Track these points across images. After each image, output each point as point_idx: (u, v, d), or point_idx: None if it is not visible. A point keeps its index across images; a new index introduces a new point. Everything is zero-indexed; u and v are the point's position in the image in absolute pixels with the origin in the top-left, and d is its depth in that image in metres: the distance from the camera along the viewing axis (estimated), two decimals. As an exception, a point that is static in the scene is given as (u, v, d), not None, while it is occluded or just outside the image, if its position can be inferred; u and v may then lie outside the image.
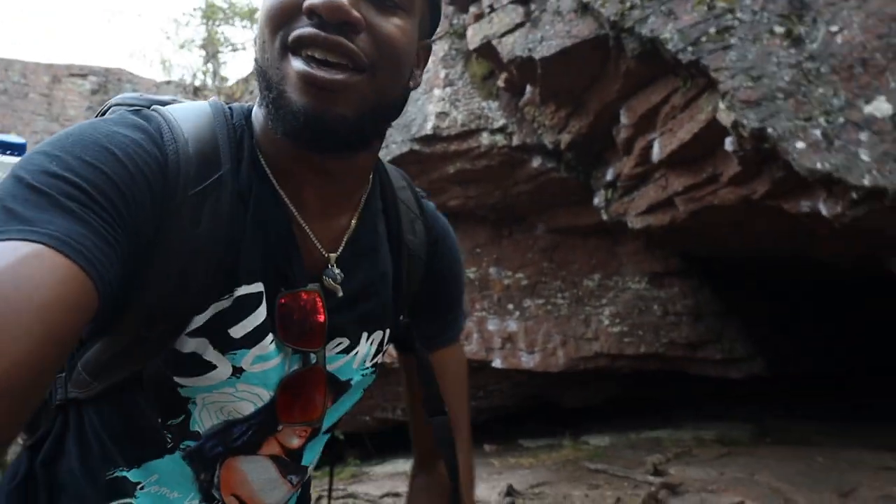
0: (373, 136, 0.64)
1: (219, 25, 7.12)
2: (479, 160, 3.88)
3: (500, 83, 3.44)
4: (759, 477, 3.00)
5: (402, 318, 0.74)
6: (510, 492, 3.00)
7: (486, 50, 3.12)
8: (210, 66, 7.16)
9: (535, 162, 3.78)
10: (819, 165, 1.76)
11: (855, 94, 1.69)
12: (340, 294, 0.63)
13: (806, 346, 4.65)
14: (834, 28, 1.81)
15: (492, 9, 3.02)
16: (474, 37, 3.16)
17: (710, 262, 4.26)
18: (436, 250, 0.75)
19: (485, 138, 3.76)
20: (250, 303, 0.59)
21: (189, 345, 0.58)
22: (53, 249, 0.42)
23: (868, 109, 1.67)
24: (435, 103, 3.81)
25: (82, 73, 5.61)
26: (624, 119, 2.85)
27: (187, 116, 0.60)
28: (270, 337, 0.60)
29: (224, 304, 0.58)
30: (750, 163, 2.28)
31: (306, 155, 0.58)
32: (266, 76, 0.55)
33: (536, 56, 2.71)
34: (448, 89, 3.78)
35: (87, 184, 0.47)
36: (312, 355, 0.63)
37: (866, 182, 1.68)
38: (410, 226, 0.73)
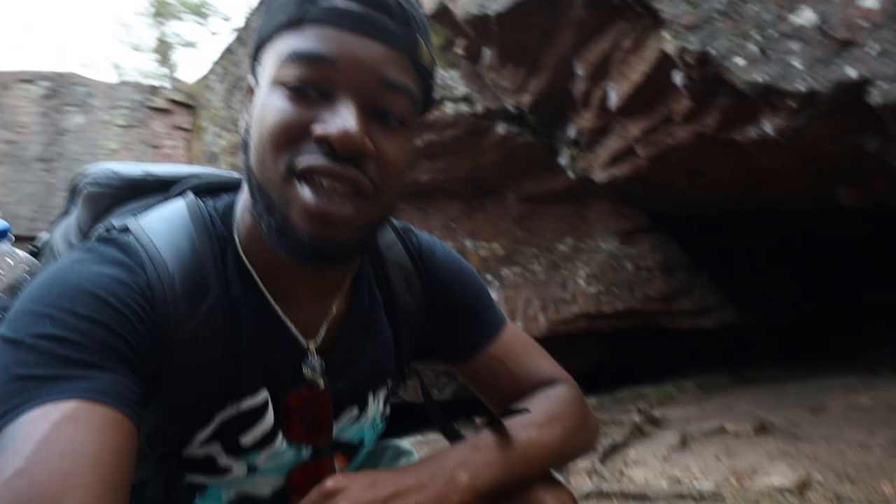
0: (371, 246, 0.67)
1: (169, 21, 7.04)
2: (445, 131, 3.95)
3: (459, 50, 3.51)
4: (737, 407, 3.12)
5: (407, 368, 0.76)
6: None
7: (443, 14, 3.19)
8: (165, 67, 7.06)
9: (500, 128, 3.86)
10: (759, 78, 1.88)
11: (783, 7, 1.80)
12: (321, 385, 0.62)
13: (771, 294, 4.84)
14: (762, -47, 1.93)
15: (444, -26, 3.10)
16: (430, 2, 3.23)
17: (676, 218, 4.40)
18: (436, 291, 0.75)
19: (449, 108, 3.82)
20: (257, 411, 0.60)
21: (201, 451, 0.60)
22: (86, 401, 0.43)
23: (796, 20, 1.78)
24: (397, 78, 3.86)
25: (31, 78, 5.49)
26: (579, 71, 2.95)
27: (168, 241, 0.57)
28: (281, 436, 0.62)
29: (230, 412, 0.59)
30: (698, 95, 2.40)
31: (300, 266, 0.57)
32: (266, 196, 0.54)
33: (490, 12, 2.79)
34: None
35: (90, 340, 0.47)
36: (321, 445, 0.65)
37: (802, 88, 1.80)
38: (404, 284, 0.73)
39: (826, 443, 2.33)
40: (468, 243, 4.69)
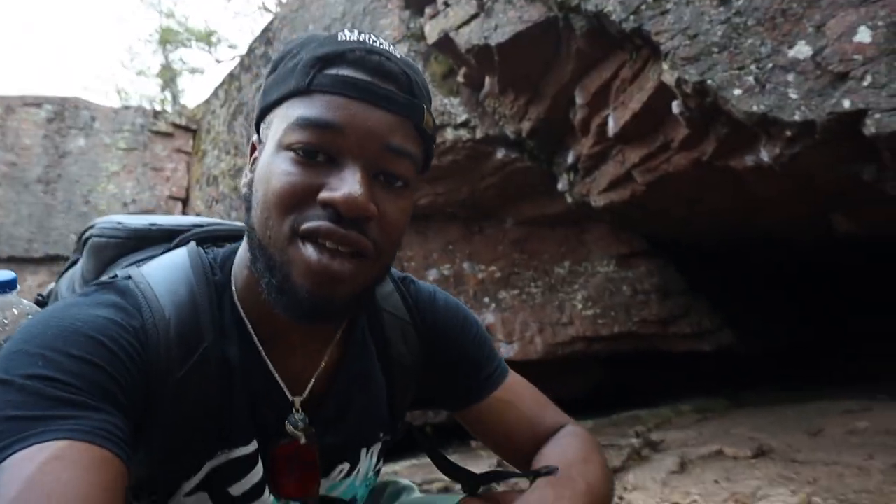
0: (368, 303, 0.68)
1: (176, 49, 7.16)
2: (445, 156, 4.01)
3: (460, 78, 3.59)
4: (735, 431, 3.12)
5: (401, 420, 0.76)
6: (500, 464, 3.03)
7: (445, 43, 3.28)
8: (168, 92, 7.14)
9: (500, 153, 3.93)
10: (755, 108, 1.94)
11: (779, 42, 1.88)
12: (303, 441, 0.61)
13: (767, 319, 4.88)
14: (755, -12, 2.01)
15: (446, 4, 3.20)
16: (432, 32, 3.32)
17: (673, 244, 4.46)
18: (434, 343, 0.75)
19: (449, 133, 3.89)
20: (247, 462, 0.60)
21: (189, 501, 0.59)
22: (74, 441, 0.43)
23: (791, 53, 1.86)
24: (399, 103, 3.93)
25: (37, 102, 5.55)
26: (579, 99, 3.03)
27: (167, 288, 0.58)
28: (268, 491, 0.62)
29: (219, 460, 0.59)
30: (696, 123, 2.47)
31: (296, 322, 0.57)
32: (268, 256, 0.55)
33: (492, 43, 2.88)
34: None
35: (81, 380, 0.46)
36: (310, 501, 0.65)
37: (797, 117, 1.86)
38: (400, 335, 0.73)
39: (825, 467, 2.33)
40: (466, 266, 4.72)
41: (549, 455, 0.71)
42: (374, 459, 0.72)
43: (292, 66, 0.57)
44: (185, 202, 5.85)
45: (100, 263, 0.70)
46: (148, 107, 6.47)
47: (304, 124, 0.54)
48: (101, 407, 0.46)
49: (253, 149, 0.63)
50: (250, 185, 0.59)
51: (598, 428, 4.30)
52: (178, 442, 0.56)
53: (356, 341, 0.68)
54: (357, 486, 0.70)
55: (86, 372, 0.47)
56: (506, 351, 4.49)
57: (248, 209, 0.59)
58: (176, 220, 0.73)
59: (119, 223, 0.71)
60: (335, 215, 0.53)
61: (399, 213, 0.58)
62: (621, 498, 2.37)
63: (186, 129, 5.84)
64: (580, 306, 4.44)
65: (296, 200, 0.54)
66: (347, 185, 0.53)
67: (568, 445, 0.72)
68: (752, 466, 2.46)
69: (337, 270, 0.53)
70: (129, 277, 0.59)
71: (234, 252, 0.65)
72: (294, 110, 0.55)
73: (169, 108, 6.19)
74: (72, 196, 5.29)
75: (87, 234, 0.73)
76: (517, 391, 0.78)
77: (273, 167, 0.55)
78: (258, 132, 0.62)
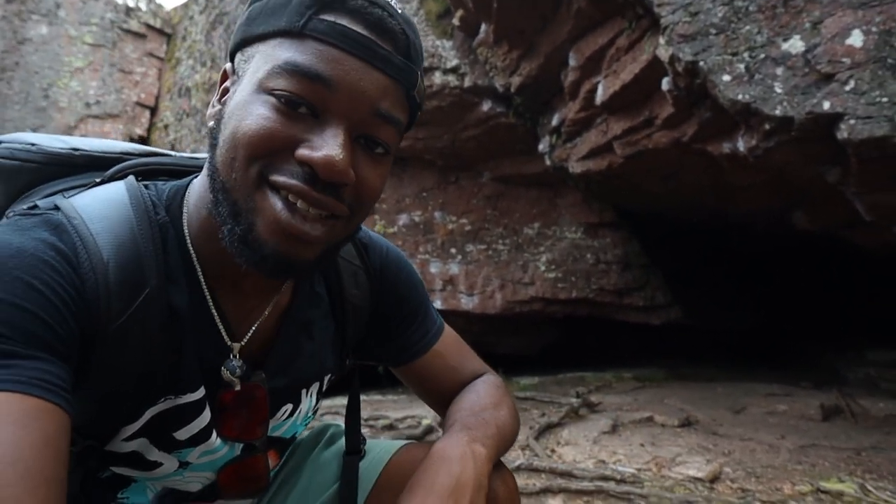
0: (331, 262, 0.66)
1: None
2: (430, 100, 3.91)
3: (456, 21, 3.46)
4: (668, 401, 3.33)
5: (347, 362, 0.76)
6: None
7: (445, -19, 3.13)
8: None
9: (486, 106, 3.86)
10: (741, 97, 1.96)
11: (776, 32, 1.88)
12: (238, 388, 0.60)
13: (718, 300, 5.11)
14: (763, -26, 1.99)
15: (452, -61, 3.03)
16: (433, -33, 3.16)
17: (640, 217, 4.56)
18: (381, 287, 0.75)
19: (437, 77, 3.79)
20: (194, 408, 0.58)
21: (128, 447, 0.57)
22: (5, 392, 0.40)
23: (785, 46, 1.86)
24: (389, 38, 3.78)
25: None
26: (572, 61, 2.97)
27: (103, 226, 0.52)
28: (216, 434, 0.61)
29: (163, 406, 0.57)
30: (682, 104, 2.47)
31: (254, 272, 0.54)
32: (233, 201, 0.51)
33: (494, -12, 2.77)
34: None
35: (9, 327, 0.43)
36: (256, 442, 0.65)
37: (778, 112, 1.89)
38: (353, 279, 0.72)
39: (741, 441, 2.53)
40: (437, 215, 4.72)
41: (465, 400, 0.74)
42: (314, 399, 0.72)
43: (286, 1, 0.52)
44: (154, 111, 5.57)
45: (10, 190, 0.62)
46: (120, 1, 6.00)
47: (292, 71, 0.50)
48: (34, 355, 0.43)
49: (224, 77, 0.58)
50: (218, 119, 0.55)
51: (544, 385, 4.51)
52: (117, 389, 0.53)
53: (303, 289, 0.67)
54: (298, 424, 0.72)
55: (15, 318, 0.43)
56: (466, 303, 4.59)
57: (213, 146, 0.54)
58: (101, 144, 0.66)
59: (33, 144, 0.62)
60: (311, 175, 0.50)
61: (376, 179, 0.55)
62: (553, 451, 2.52)
63: (161, 32, 5.47)
64: (543, 268, 4.53)
65: (270, 149, 0.50)
66: (328, 146, 0.49)
67: (482, 392, 0.76)
68: (677, 435, 2.65)
69: (306, 232, 0.51)
70: (58, 209, 0.53)
71: (180, 191, 0.60)
72: (282, 52, 0.51)
73: (143, 5, 5.75)
74: (29, 88, 4.96)
75: None
76: (447, 343, 0.80)
77: (249, 108, 0.51)
78: (232, 61, 0.57)
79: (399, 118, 0.55)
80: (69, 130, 5.05)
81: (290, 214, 0.50)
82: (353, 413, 0.79)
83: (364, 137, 0.53)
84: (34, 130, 4.79)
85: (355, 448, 0.77)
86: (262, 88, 0.51)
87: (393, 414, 3.12)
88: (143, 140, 5.44)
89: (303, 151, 0.50)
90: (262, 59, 0.52)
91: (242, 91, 0.53)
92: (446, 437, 0.65)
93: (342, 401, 3.08)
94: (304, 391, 0.69)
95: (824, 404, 3.05)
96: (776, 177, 2.50)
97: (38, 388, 0.42)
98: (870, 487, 1.92)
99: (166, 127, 5.46)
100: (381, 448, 0.79)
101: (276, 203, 0.50)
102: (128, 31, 5.32)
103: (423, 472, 0.60)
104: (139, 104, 5.37)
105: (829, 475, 2.08)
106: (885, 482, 2.01)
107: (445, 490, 0.56)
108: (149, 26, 5.42)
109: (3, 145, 0.63)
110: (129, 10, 5.64)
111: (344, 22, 0.51)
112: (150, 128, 5.52)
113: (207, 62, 5.17)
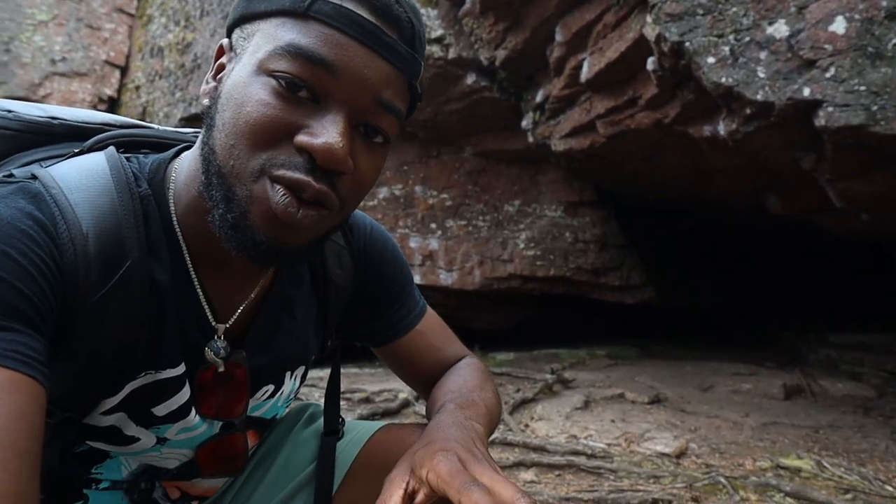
0: (322, 249, 0.64)
1: None
2: (413, 71, 3.84)
3: (442, -11, 3.37)
4: (639, 378, 3.41)
5: (329, 343, 0.75)
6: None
7: (431, -53, 3.03)
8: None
9: (470, 79, 3.80)
10: (724, 80, 1.96)
11: (762, 16, 1.87)
12: (221, 369, 0.60)
13: (691, 280, 5.22)
14: (753, -45, 1.97)
15: None
16: (420, -69, 3.05)
17: (619, 197, 4.59)
18: (365, 267, 0.75)
19: (421, 48, 3.70)
20: (174, 384, 0.58)
21: (106, 421, 0.56)
22: None
23: (770, 30, 1.86)
24: (373, 4, 3.67)
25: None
26: (559, 36, 2.93)
27: (84, 197, 0.51)
28: (194, 411, 0.60)
29: (143, 381, 0.56)
30: (666, 85, 2.47)
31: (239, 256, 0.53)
32: (228, 187, 0.51)
33: (481, -44, 2.69)
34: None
35: None
36: (235, 421, 0.64)
37: (759, 97, 1.90)
38: (336, 259, 0.71)
39: (707, 419, 2.62)
40: (418, 189, 4.68)
41: (451, 381, 0.75)
42: (298, 382, 0.72)
43: None
44: (124, 71, 5.34)
45: None
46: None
47: (295, 53, 0.48)
48: (10, 326, 0.42)
49: (220, 52, 0.56)
50: (215, 98, 0.53)
51: (519, 361, 4.58)
52: (97, 362, 0.53)
53: (285, 268, 0.67)
54: (279, 406, 0.72)
55: None
56: (444, 278, 4.59)
57: (210, 126, 0.53)
58: (81, 114, 0.64)
59: (9, 111, 0.60)
60: (310, 162, 0.49)
61: (373, 170, 0.55)
62: (527, 426, 2.57)
63: (131, -13, 5.21)
64: (522, 245, 4.55)
65: (271, 138, 0.49)
66: (328, 133, 0.49)
67: (467, 374, 0.76)
68: (647, 411, 2.72)
69: (299, 219, 0.50)
70: (36, 178, 0.51)
71: (163, 164, 0.59)
72: (284, 32, 0.49)
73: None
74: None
75: None
76: (429, 323, 0.80)
77: (249, 91, 0.49)
78: (230, 36, 0.55)
79: (400, 108, 0.54)
80: (34, 88, 4.81)
81: (286, 204, 0.49)
82: (332, 393, 0.78)
83: (364, 125, 0.53)
84: (-5, 87, 4.54)
85: (333, 429, 0.76)
86: (263, 70, 0.50)
87: (370, 387, 3.13)
88: (112, 101, 5.21)
89: (302, 138, 0.49)
90: (264, 39, 0.51)
91: (241, 71, 0.51)
92: (442, 413, 0.65)
93: (319, 373, 3.08)
94: (288, 373, 0.69)
95: (787, 384, 3.17)
96: (753, 161, 2.53)
97: (12, 361, 0.41)
98: (826, 464, 2.01)
99: (137, 88, 5.24)
100: (361, 428, 0.79)
101: (274, 194, 0.49)
102: (96, -16, 5.05)
103: (432, 430, 0.59)
104: (108, 63, 5.14)
105: (789, 452, 2.17)
106: (840, 459, 2.11)
107: (462, 439, 0.56)
108: (118, -20, 5.15)
109: None
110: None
111: (350, 6, 0.49)
112: (121, 88, 5.29)
113: (181, 21, 4.95)
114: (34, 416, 0.41)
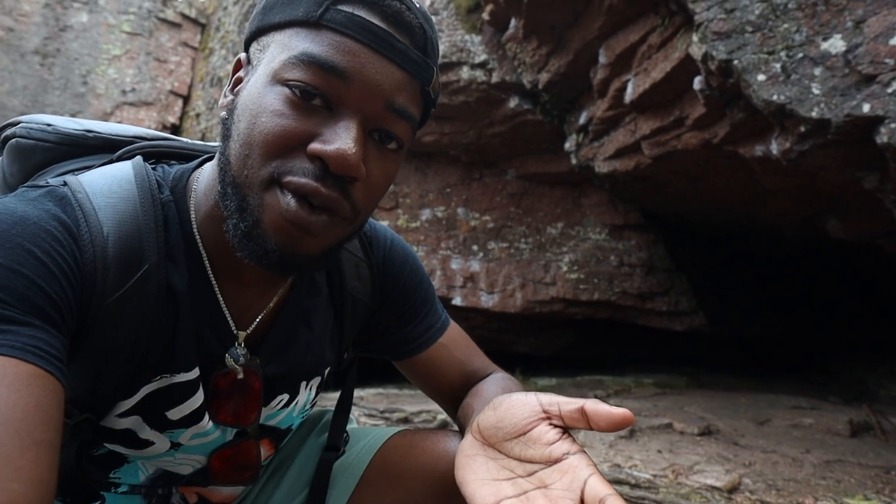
0: (334, 260, 0.64)
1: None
2: (457, 95, 3.90)
3: (486, 15, 3.44)
4: (688, 409, 3.26)
5: (345, 356, 0.75)
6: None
7: (475, -25, 3.11)
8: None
9: (512, 102, 3.83)
10: (775, 97, 1.89)
11: (815, 31, 1.81)
12: (240, 376, 0.60)
13: (744, 308, 4.98)
14: (805, -28, 1.92)
15: (484, -67, 3.01)
16: (464, -39, 3.15)
17: (666, 220, 4.47)
18: (384, 281, 0.74)
19: (465, 73, 3.77)
20: (188, 388, 0.58)
21: (122, 423, 0.57)
22: (2, 356, 0.40)
23: (824, 46, 1.80)
24: (418, 32, 3.78)
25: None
26: (602, 58, 2.93)
27: (106, 201, 0.53)
28: (208, 416, 0.61)
29: (158, 385, 0.57)
30: (714, 104, 2.41)
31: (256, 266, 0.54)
32: (242, 197, 0.51)
33: (525, -18, 2.74)
34: (433, 18, 3.76)
35: (9, 294, 0.43)
36: (248, 428, 0.64)
37: (814, 114, 1.82)
38: (355, 271, 0.71)
39: (763, 453, 2.46)
40: (461, 211, 4.71)
41: (485, 390, 0.72)
42: (313, 393, 0.71)
43: None
44: (186, 100, 5.69)
45: (26, 168, 0.64)
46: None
47: (308, 62, 0.49)
48: (31, 322, 0.43)
49: (238, 66, 0.57)
50: (231, 110, 0.54)
51: (561, 387, 4.47)
52: (111, 364, 0.53)
53: (303, 278, 0.67)
54: (294, 416, 0.71)
55: (15, 284, 0.43)
56: (485, 300, 4.57)
57: (226, 137, 0.53)
58: (115, 128, 0.67)
59: (49, 125, 0.63)
60: (322, 169, 0.49)
61: (385, 177, 0.55)
62: (568, 452, 2.49)
63: (195, 22, 5.59)
64: (565, 269, 4.49)
65: (284, 148, 0.50)
66: (341, 139, 0.49)
67: (503, 383, 0.74)
68: (696, 443, 2.59)
69: (311, 222, 0.50)
70: (66, 185, 0.53)
71: (186, 173, 0.60)
72: (298, 42, 0.50)
73: (179, -3, 5.87)
74: (69, 74, 5.12)
75: (8, 133, 0.65)
76: (452, 337, 0.79)
77: (263, 101, 0.50)
78: (247, 50, 0.57)
79: (413, 113, 0.54)
80: (105, 116, 5.20)
81: (296, 208, 0.50)
82: (343, 408, 0.77)
83: (378, 132, 0.53)
84: (73, 116, 4.93)
85: (335, 444, 0.75)
86: (277, 79, 0.50)
87: (409, 408, 3.13)
88: (174, 128, 5.55)
89: (315, 145, 0.49)
90: (278, 49, 0.52)
91: (256, 82, 0.52)
92: (494, 381, 0.66)
93: (363, 392, 3.10)
94: (303, 384, 0.69)
95: (853, 420, 2.95)
96: (809, 182, 2.42)
97: (31, 355, 0.42)
98: (897, 507, 1.85)
99: (198, 116, 5.57)
100: (375, 434, 0.77)
101: (284, 202, 0.50)
102: (164, 21, 5.44)
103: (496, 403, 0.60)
104: (172, 93, 5.49)
105: (855, 492, 2.01)
106: (915, 502, 1.93)
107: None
108: (184, 16, 5.54)
109: (21, 125, 0.64)
110: (165, 0, 5.76)
111: (362, 13, 0.50)
112: (183, 116, 5.64)
113: (240, 52, 5.25)
114: (51, 409, 0.42)
